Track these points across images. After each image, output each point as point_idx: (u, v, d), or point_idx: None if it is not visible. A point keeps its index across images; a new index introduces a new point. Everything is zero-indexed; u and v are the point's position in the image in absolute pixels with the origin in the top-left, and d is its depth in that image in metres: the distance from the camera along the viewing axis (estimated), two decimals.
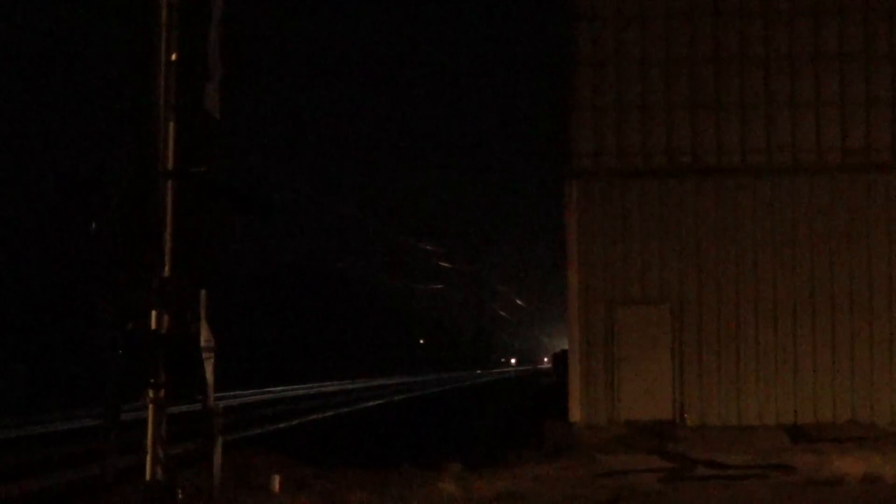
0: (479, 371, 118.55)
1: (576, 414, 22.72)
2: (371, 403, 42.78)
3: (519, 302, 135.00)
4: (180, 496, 10.32)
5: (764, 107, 23.13)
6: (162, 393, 10.37)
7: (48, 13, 76.48)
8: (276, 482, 14.76)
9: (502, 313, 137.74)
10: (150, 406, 10.38)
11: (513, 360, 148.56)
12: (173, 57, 10.55)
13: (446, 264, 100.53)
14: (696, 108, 23.21)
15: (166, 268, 10.46)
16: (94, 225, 10.62)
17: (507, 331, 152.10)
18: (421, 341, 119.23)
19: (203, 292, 10.41)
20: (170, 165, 10.57)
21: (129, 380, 10.29)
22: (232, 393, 43.72)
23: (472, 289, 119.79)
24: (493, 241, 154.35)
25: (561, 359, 40.59)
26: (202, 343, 10.31)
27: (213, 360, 10.43)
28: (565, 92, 23.50)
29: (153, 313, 10.33)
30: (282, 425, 29.62)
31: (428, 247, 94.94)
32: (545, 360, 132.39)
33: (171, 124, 10.58)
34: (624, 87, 23.28)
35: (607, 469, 17.61)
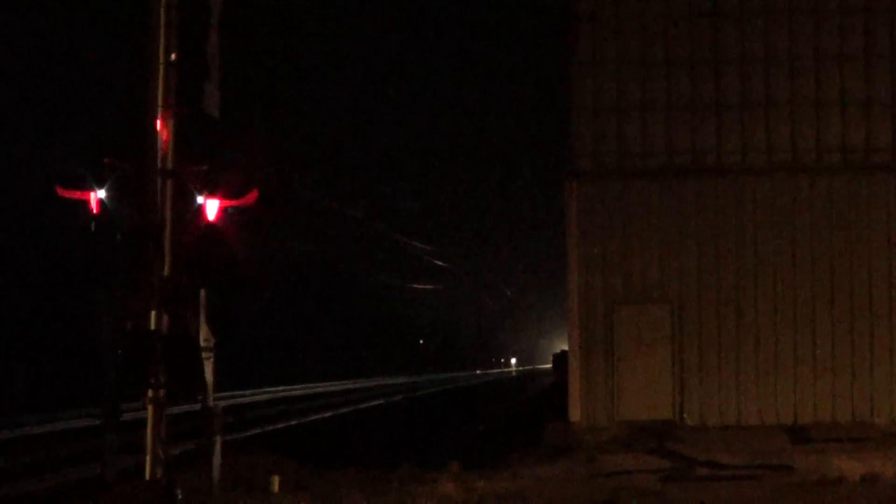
0: (478, 371, 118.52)
1: (576, 414, 22.71)
2: (371, 403, 42.77)
3: (512, 296, 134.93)
4: (180, 496, 10.33)
5: (764, 107, 23.10)
6: (162, 393, 10.38)
7: (48, 12, 76.49)
8: (276, 482, 14.77)
9: (502, 314, 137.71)
10: (150, 406, 10.40)
11: (513, 361, 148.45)
12: (173, 57, 10.56)
13: (446, 264, 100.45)
14: (696, 108, 23.19)
15: (166, 268, 10.47)
16: (93, 225, 10.63)
17: (507, 331, 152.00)
18: (420, 341, 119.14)
19: (203, 292, 10.42)
20: (170, 165, 10.58)
21: (129, 380, 10.31)
22: (232, 393, 43.69)
23: (471, 289, 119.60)
24: (493, 241, 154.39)
25: (561, 359, 40.53)
26: (202, 343, 10.33)
27: (212, 360, 10.45)
28: (565, 92, 23.50)
29: (153, 313, 10.34)
30: (281, 425, 29.62)
31: (427, 246, 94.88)
32: (545, 360, 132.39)
33: (171, 124, 10.60)
34: (624, 87, 23.26)
35: (607, 469, 17.60)
